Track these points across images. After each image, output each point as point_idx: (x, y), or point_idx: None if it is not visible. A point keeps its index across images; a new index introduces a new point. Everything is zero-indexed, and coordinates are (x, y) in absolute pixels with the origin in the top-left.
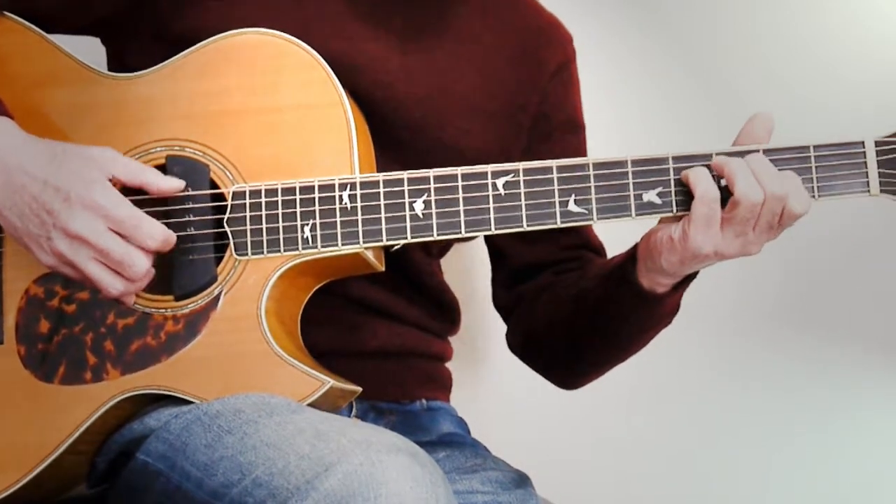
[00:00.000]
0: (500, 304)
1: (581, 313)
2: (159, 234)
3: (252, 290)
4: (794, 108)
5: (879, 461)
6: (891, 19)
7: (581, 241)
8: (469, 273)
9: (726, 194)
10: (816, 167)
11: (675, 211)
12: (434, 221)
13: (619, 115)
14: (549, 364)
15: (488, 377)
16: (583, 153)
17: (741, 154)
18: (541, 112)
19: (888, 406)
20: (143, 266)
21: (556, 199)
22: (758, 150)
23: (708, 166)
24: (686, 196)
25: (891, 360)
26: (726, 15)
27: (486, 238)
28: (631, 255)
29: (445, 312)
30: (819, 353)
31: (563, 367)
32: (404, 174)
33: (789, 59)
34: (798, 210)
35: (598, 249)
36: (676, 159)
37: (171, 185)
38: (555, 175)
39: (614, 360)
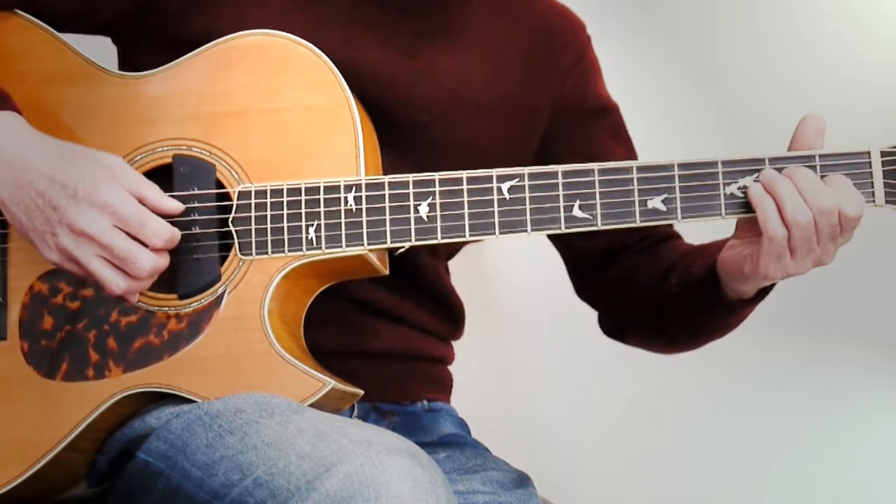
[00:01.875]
0: (583, 295)
1: (673, 316)
2: (165, 233)
3: (256, 290)
4: (795, 109)
5: (880, 461)
6: (891, 19)
7: None
8: (473, 274)
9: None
10: (822, 176)
11: (679, 218)
12: (438, 224)
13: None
14: (646, 347)
15: (489, 378)
16: (622, 133)
17: (752, 162)
18: (561, 109)
19: (888, 406)
20: (147, 263)
21: (561, 204)
22: (763, 159)
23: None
24: (691, 203)
25: (891, 360)
26: (726, 15)
27: (554, 236)
28: (713, 270)
29: (451, 316)
30: (819, 353)
31: (659, 349)
32: (409, 177)
33: (789, 59)
34: (852, 214)
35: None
36: (682, 166)
37: (171, 205)
38: (560, 180)
39: (709, 342)
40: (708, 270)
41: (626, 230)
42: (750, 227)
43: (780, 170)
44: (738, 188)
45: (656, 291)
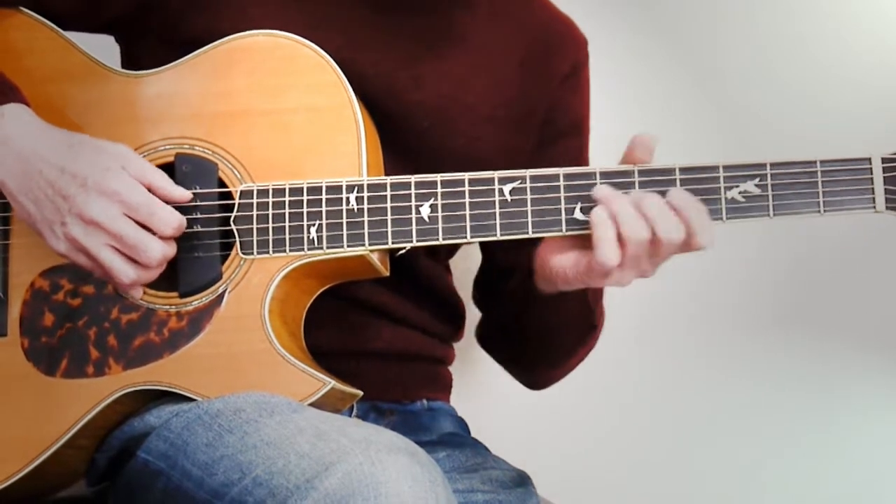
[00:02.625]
0: (477, 299)
1: (510, 320)
2: (174, 220)
3: (256, 289)
4: (795, 109)
5: (880, 461)
6: (891, 19)
7: None
8: (472, 275)
9: None
10: (823, 182)
11: None
12: (440, 226)
13: (619, 116)
14: (506, 364)
15: (488, 378)
16: (584, 155)
17: (753, 167)
18: (548, 118)
19: (888, 406)
20: (157, 251)
21: (563, 207)
22: (764, 164)
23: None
24: None
25: (891, 360)
26: (726, 15)
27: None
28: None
29: (451, 316)
30: (819, 353)
31: (513, 368)
32: (412, 178)
33: (789, 59)
34: (704, 246)
35: None
36: (683, 170)
37: (179, 193)
38: (561, 183)
39: (551, 364)
40: (529, 267)
41: None
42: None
43: (781, 173)
44: (740, 192)
45: (507, 302)
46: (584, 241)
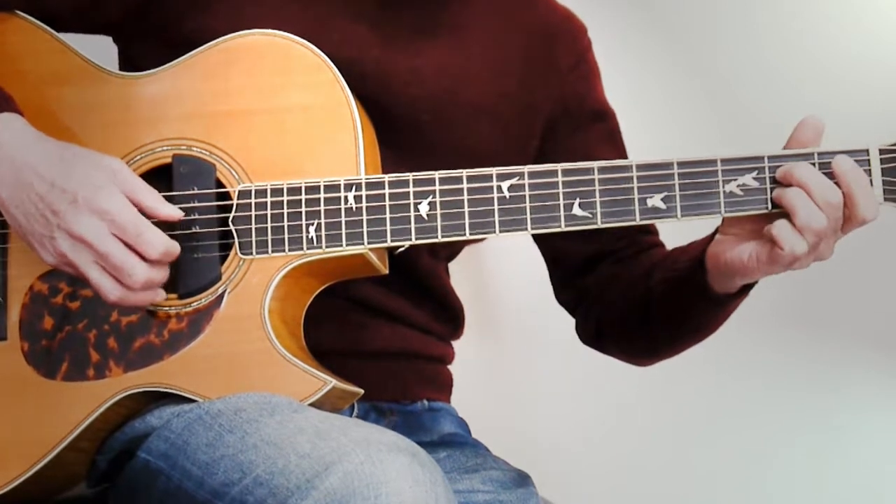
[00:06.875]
0: (563, 300)
1: (655, 314)
2: (160, 245)
3: (256, 289)
4: (795, 109)
5: (880, 461)
6: (891, 19)
7: (636, 227)
8: (473, 274)
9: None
10: (821, 173)
11: (679, 216)
12: (439, 223)
13: (619, 115)
14: (625, 352)
15: (489, 378)
16: (617, 139)
17: (751, 160)
18: (561, 111)
19: (888, 406)
20: (140, 276)
21: (561, 203)
22: (762, 157)
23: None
24: (691, 201)
25: (891, 359)
26: (726, 15)
27: (539, 239)
28: (700, 263)
29: (450, 316)
30: (819, 353)
31: (639, 354)
32: (410, 176)
33: (789, 59)
34: (870, 217)
35: (653, 231)
36: (681, 164)
37: (169, 211)
38: (560, 178)
39: (690, 345)
40: (693, 264)
41: (615, 237)
42: (742, 222)
43: (778, 166)
44: (738, 186)
45: (638, 291)
46: (759, 231)
